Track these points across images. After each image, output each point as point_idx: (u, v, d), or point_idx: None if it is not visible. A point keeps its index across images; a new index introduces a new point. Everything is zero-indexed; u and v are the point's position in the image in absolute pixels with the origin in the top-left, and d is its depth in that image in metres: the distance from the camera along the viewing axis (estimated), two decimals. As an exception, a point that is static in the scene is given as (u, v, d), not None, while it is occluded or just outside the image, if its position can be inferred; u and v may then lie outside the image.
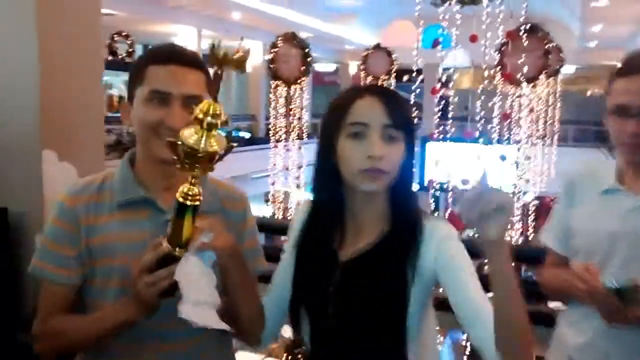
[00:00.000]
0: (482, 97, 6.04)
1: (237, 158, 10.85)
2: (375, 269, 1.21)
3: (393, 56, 13.07)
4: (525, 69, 6.28)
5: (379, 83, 13.36)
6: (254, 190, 11.24)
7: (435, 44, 5.26)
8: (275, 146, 11.14)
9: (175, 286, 1.09)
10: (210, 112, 1.06)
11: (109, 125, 8.91)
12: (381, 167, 1.19)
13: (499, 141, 8.57)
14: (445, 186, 6.19)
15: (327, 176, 1.27)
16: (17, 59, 2.36)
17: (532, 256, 3.02)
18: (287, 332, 1.55)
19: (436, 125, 6.30)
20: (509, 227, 1.05)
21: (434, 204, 6.33)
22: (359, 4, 14.31)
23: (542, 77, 7.95)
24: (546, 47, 7.42)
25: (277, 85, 11.07)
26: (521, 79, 6.43)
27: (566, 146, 15.59)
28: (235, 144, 1.11)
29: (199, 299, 1.08)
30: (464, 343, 3.85)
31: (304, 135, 11.78)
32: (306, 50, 10.70)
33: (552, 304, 2.60)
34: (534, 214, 10.68)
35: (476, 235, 1.04)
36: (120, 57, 12.28)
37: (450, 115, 6.46)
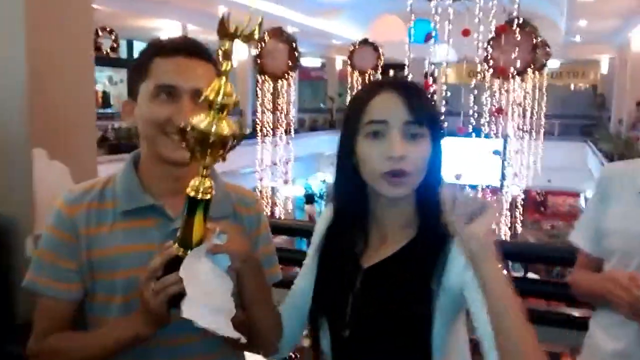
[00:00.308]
0: (475, 92, 6.01)
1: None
2: (398, 276, 1.13)
3: (380, 51, 13.05)
4: (518, 63, 6.25)
5: (366, 78, 13.40)
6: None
7: (427, 38, 5.21)
8: (263, 141, 11.07)
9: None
10: (222, 91, 0.97)
11: (93, 121, 8.74)
12: (403, 169, 1.09)
13: (486, 136, 8.58)
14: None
15: (348, 179, 1.18)
16: (4, 55, 2.27)
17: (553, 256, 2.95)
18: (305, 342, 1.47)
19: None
20: (492, 227, 0.98)
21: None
22: (346, -1, 14.24)
23: (529, 71, 7.99)
24: (534, 41, 7.46)
25: (264, 80, 11.01)
26: (514, 73, 6.42)
27: (552, 140, 15.67)
28: (248, 130, 1.02)
29: (209, 303, 1.00)
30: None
31: (292, 131, 11.73)
32: (293, 45, 10.64)
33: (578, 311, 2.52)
34: (521, 207, 10.75)
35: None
36: (104, 52, 12.09)
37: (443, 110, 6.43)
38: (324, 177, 18.70)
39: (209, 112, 0.98)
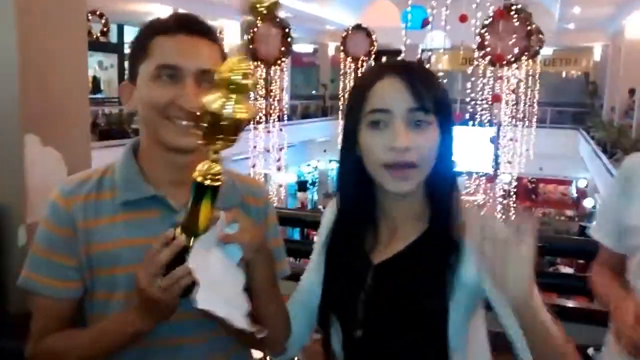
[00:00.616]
0: (472, 79, 5.97)
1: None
2: (410, 272, 1.07)
3: (373, 37, 12.95)
4: (516, 50, 6.20)
5: (359, 64, 13.31)
6: (234, 173, 11.06)
7: (424, 23, 5.15)
8: (256, 128, 10.98)
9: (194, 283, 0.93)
10: (241, 70, 0.88)
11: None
12: (408, 160, 1.02)
13: (480, 124, 8.56)
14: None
15: (352, 172, 1.11)
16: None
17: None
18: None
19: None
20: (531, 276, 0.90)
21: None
22: (339, -17, 14.10)
23: (523, 58, 7.96)
24: (528, 28, 7.42)
25: (256, 66, 10.91)
26: (511, 59, 6.37)
27: (544, 127, 15.68)
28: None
29: (222, 295, 0.94)
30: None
31: (284, 117, 11.66)
32: (287, 30, 10.52)
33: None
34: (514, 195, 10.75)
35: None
36: (94, 36, 11.90)
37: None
38: (316, 164, 18.65)
39: (223, 92, 0.89)
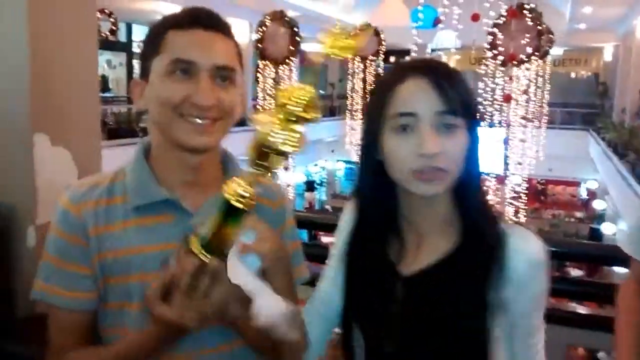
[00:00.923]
0: (483, 79, 5.90)
1: (226, 139, 10.59)
2: (448, 288, 1.00)
3: (382, 36, 12.89)
4: (528, 49, 6.14)
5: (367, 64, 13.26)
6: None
7: (436, 22, 5.10)
8: (264, 128, 10.92)
9: None
10: (303, 101, 0.82)
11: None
12: (439, 166, 0.95)
13: (491, 124, 8.49)
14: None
15: (374, 177, 1.04)
16: (5, 36, 2.16)
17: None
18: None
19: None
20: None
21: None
22: (348, -17, 14.05)
23: (533, 58, 7.89)
24: (538, 28, 7.36)
25: (265, 65, 10.87)
26: (523, 59, 6.30)
27: (554, 128, 15.57)
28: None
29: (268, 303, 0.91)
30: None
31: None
32: (295, 30, 10.49)
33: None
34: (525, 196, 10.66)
35: None
36: (103, 35, 11.90)
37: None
38: (323, 164, 18.60)
39: (278, 117, 0.83)
